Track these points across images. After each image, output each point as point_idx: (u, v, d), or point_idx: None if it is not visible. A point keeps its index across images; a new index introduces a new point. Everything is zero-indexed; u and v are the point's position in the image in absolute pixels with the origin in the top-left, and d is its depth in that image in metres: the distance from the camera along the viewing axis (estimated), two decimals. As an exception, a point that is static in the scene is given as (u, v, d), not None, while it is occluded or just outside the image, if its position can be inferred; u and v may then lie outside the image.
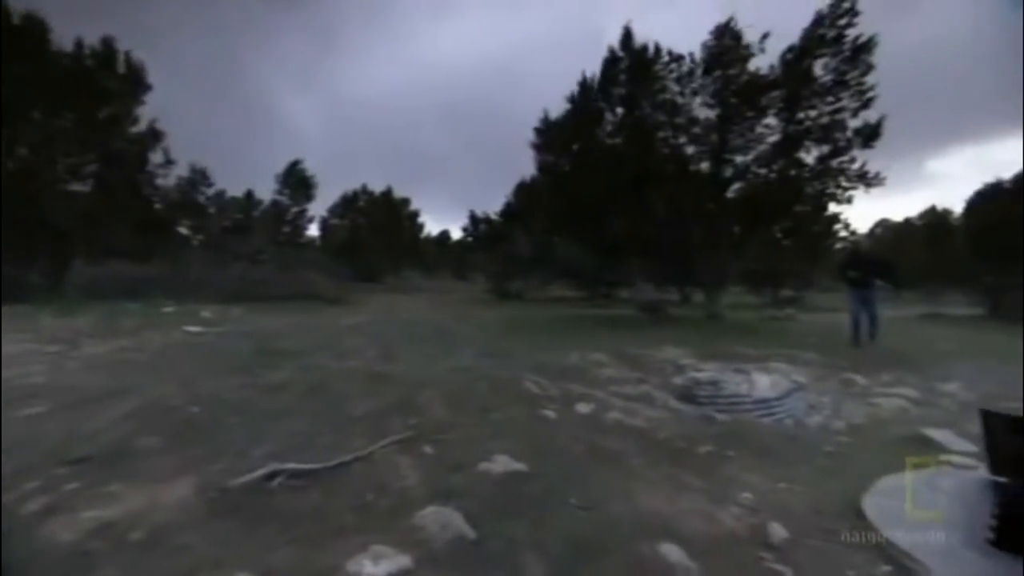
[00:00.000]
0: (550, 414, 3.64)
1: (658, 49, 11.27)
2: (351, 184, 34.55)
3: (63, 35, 12.92)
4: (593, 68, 12.24)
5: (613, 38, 11.58)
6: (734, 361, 5.90)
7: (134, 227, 14.63)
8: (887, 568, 1.97)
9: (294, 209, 27.86)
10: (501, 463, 2.65)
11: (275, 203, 27.54)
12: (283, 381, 4.31)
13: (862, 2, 9.79)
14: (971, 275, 19.48)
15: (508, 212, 25.01)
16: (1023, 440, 2.32)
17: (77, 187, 13.87)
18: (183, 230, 22.44)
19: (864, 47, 9.90)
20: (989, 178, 22.86)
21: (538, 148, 13.32)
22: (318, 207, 31.76)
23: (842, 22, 9.91)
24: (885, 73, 10.04)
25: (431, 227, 51.35)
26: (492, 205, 33.74)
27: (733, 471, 2.82)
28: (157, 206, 16.48)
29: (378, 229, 31.80)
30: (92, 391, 3.75)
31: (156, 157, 15.08)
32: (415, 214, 36.94)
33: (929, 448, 3.36)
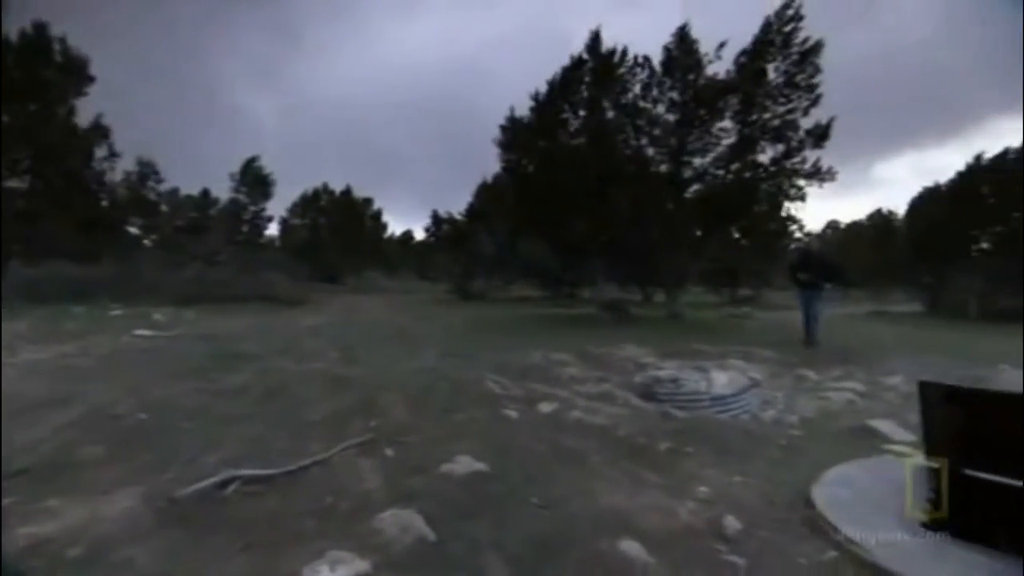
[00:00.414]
0: (512, 414, 3.64)
1: (624, 52, 11.48)
2: (312, 183, 33.77)
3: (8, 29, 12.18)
4: (559, 69, 12.34)
5: (579, 39, 11.65)
6: (693, 359, 6.05)
7: (77, 225, 13.90)
8: (833, 553, 2.05)
9: (252, 208, 27.05)
10: (463, 464, 2.64)
11: (233, 202, 26.67)
12: (240, 385, 4.18)
13: (819, 12, 10.26)
14: (912, 274, 20.55)
15: (471, 212, 24.94)
16: (955, 408, 2.44)
17: (14, 183, 13.10)
18: (133, 229, 21.48)
19: (812, 50, 10.40)
20: (928, 183, 24.16)
21: (503, 147, 13.30)
22: (277, 206, 30.99)
23: (788, 27, 10.36)
24: (836, 83, 10.54)
25: (394, 227, 50.72)
26: (456, 205, 33.61)
27: (691, 466, 2.88)
28: (103, 203, 15.71)
29: (339, 229, 31.18)
30: (31, 399, 3.56)
31: (105, 152, 14.40)
32: (378, 214, 36.41)
33: (874, 438, 3.53)
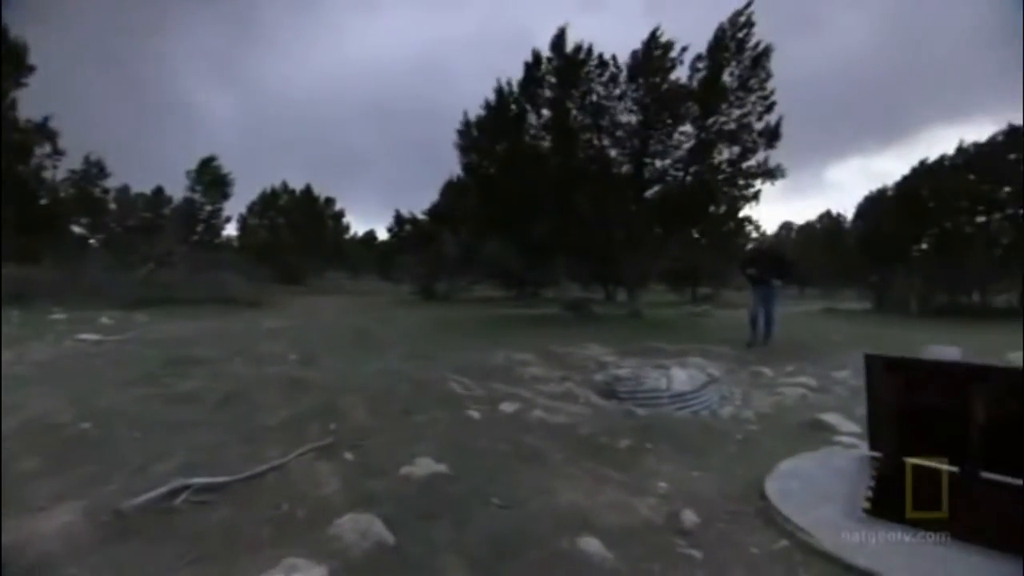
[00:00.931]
0: (474, 414, 3.64)
1: (589, 51, 11.61)
2: (271, 181, 32.89)
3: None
4: (521, 68, 12.35)
5: (541, 38, 11.74)
6: (654, 357, 6.17)
7: (14, 224, 13.14)
8: (785, 543, 2.13)
9: (209, 208, 26.15)
10: (423, 466, 2.62)
11: (188, 201, 25.72)
12: (192, 391, 4.04)
13: (772, 24, 10.67)
14: (861, 274, 21.55)
15: (435, 212, 24.79)
16: (896, 376, 2.61)
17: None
18: (78, 229, 20.45)
19: (763, 55, 10.82)
20: (874, 187, 25.35)
21: (462, 149, 13.26)
22: (235, 205, 30.06)
23: (741, 33, 10.74)
24: (789, 92, 11.01)
25: (356, 227, 49.99)
26: (420, 205, 33.29)
27: (651, 463, 2.94)
28: (43, 201, 14.89)
29: (300, 229, 30.49)
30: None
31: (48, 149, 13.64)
32: (339, 213, 35.79)
33: (824, 431, 3.67)
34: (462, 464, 2.70)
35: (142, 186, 25.42)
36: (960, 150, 16.95)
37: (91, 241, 21.06)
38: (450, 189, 23.06)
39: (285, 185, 32.20)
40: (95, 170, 21.17)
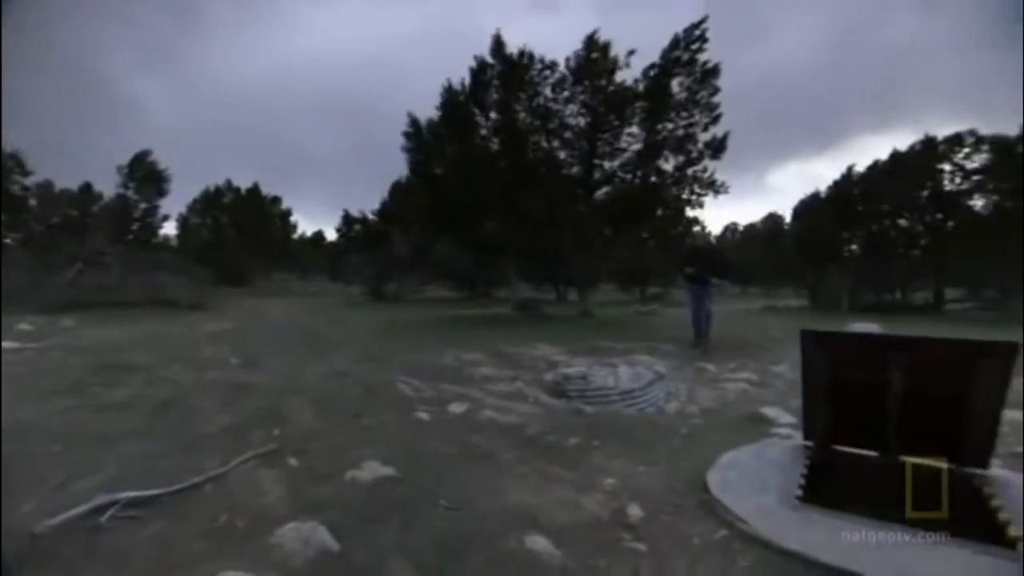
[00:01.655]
0: (424, 416, 3.61)
1: (532, 55, 11.69)
2: (214, 179, 31.53)
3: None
4: (469, 70, 12.32)
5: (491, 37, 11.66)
6: (602, 355, 6.28)
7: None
8: (724, 532, 2.21)
9: (143, 205, 24.77)
10: (371, 469, 2.58)
11: (120, 198, 24.27)
12: (124, 400, 3.83)
13: (721, 32, 11.05)
14: (797, 273, 22.70)
15: (385, 212, 24.40)
16: (827, 348, 2.79)
17: None
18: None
19: (712, 71, 11.18)
20: (810, 190, 26.74)
21: (409, 151, 13.11)
22: (174, 203, 28.64)
23: (694, 47, 11.06)
24: (735, 95, 11.43)
25: (305, 227, 48.66)
26: (370, 204, 32.65)
27: (598, 460, 2.99)
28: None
29: (245, 228, 29.35)
30: None
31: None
32: (286, 213, 34.70)
33: (763, 424, 3.83)
34: (410, 466, 2.67)
35: (70, 182, 23.82)
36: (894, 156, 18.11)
37: (7, 240, 19.51)
38: (400, 189, 22.76)
39: (229, 183, 30.96)
40: (11, 163, 19.66)
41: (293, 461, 2.75)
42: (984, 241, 15.51)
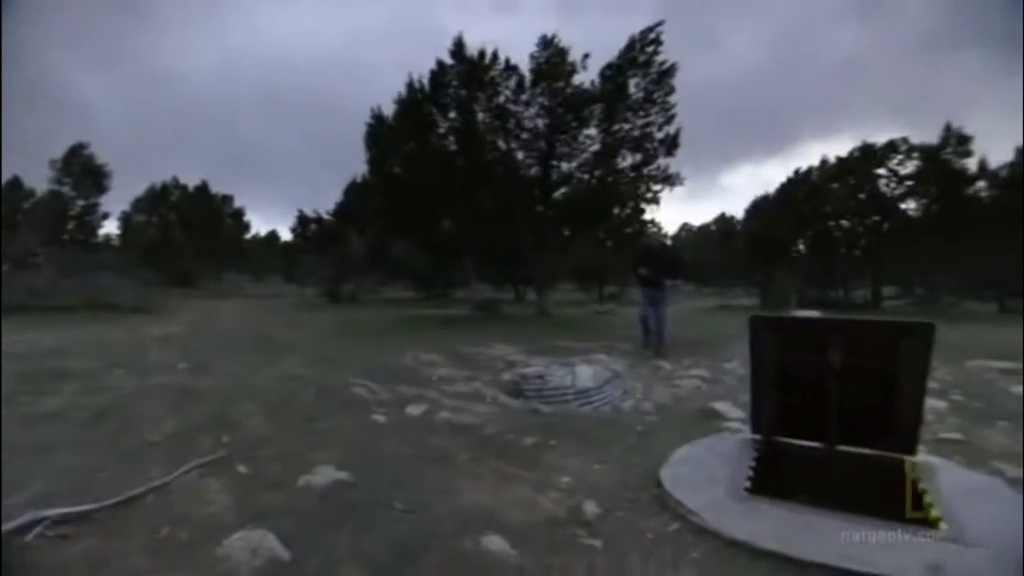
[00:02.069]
0: (380, 418, 3.56)
1: (495, 56, 11.73)
2: (160, 176, 30.11)
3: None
4: (428, 70, 12.26)
5: (450, 40, 11.63)
6: (560, 354, 6.35)
7: None
8: (677, 525, 2.27)
9: (81, 202, 23.45)
10: (324, 474, 2.53)
11: (54, 194, 22.88)
12: (56, 409, 3.61)
13: (677, 35, 11.36)
14: (749, 272, 23.56)
15: (341, 212, 23.92)
16: (773, 333, 2.91)
17: None
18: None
19: (668, 72, 11.52)
20: (760, 192, 27.79)
21: (369, 148, 12.93)
22: (117, 201, 27.25)
23: (650, 49, 11.35)
24: (690, 102, 11.80)
25: (258, 227, 47.26)
26: (326, 204, 31.90)
27: (555, 458, 3.01)
28: None
29: (194, 228, 28.22)
30: None
31: None
32: (239, 212, 33.61)
33: (715, 419, 3.95)
34: (365, 470, 2.63)
35: (-3, 178, 22.25)
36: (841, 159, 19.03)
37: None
38: (357, 188, 22.37)
39: (176, 180, 29.71)
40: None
41: (242, 468, 2.67)
42: (915, 242, 16.50)
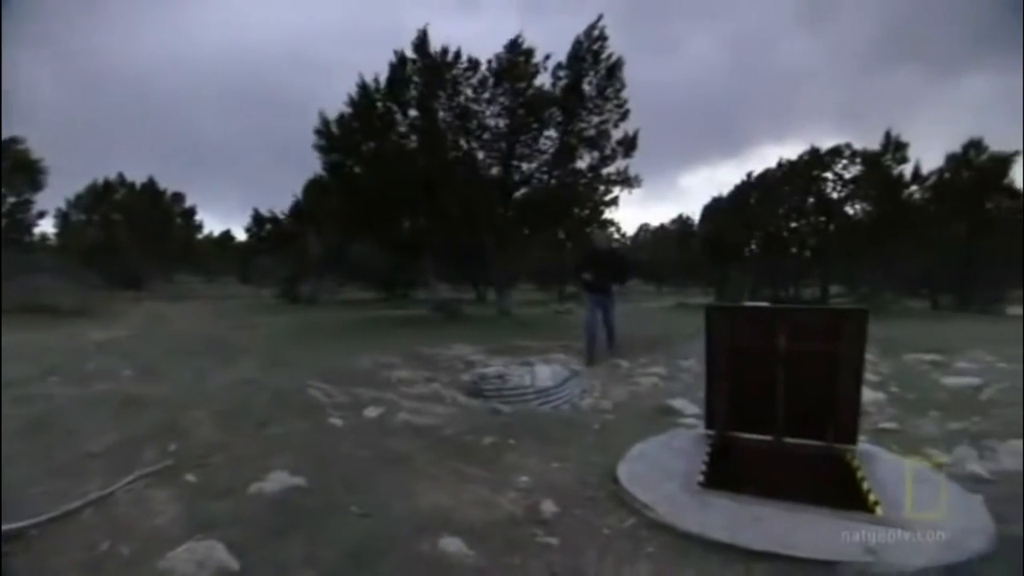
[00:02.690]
0: (337, 422, 3.50)
1: (458, 54, 11.68)
2: (104, 173, 28.60)
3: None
4: (387, 66, 12.08)
5: (412, 37, 11.52)
6: (519, 354, 6.37)
7: None
8: (633, 520, 2.31)
9: (12, 199, 22.01)
10: (277, 481, 2.46)
11: (-19, 192, 21.41)
12: (-16, 420, 3.38)
13: (632, 43, 11.66)
14: (706, 271, 24.24)
15: (298, 211, 23.32)
16: (727, 319, 3.03)
17: None
18: None
19: (616, 65, 11.76)
20: (715, 193, 28.64)
21: (322, 149, 12.64)
22: (53, 198, 25.74)
23: (596, 45, 11.58)
24: (649, 105, 12.07)
25: (211, 226, 45.71)
26: (283, 203, 31.04)
27: (514, 458, 3.02)
28: None
29: (141, 227, 26.94)
30: None
31: None
32: (190, 211, 32.34)
33: (671, 415, 4.04)
34: (321, 474, 2.58)
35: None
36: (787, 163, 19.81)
37: None
38: (314, 187, 21.84)
39: (122, 177, 28.32)
40: None
41: (191, 477, 2.57)
42: (858, 243, 17.35)
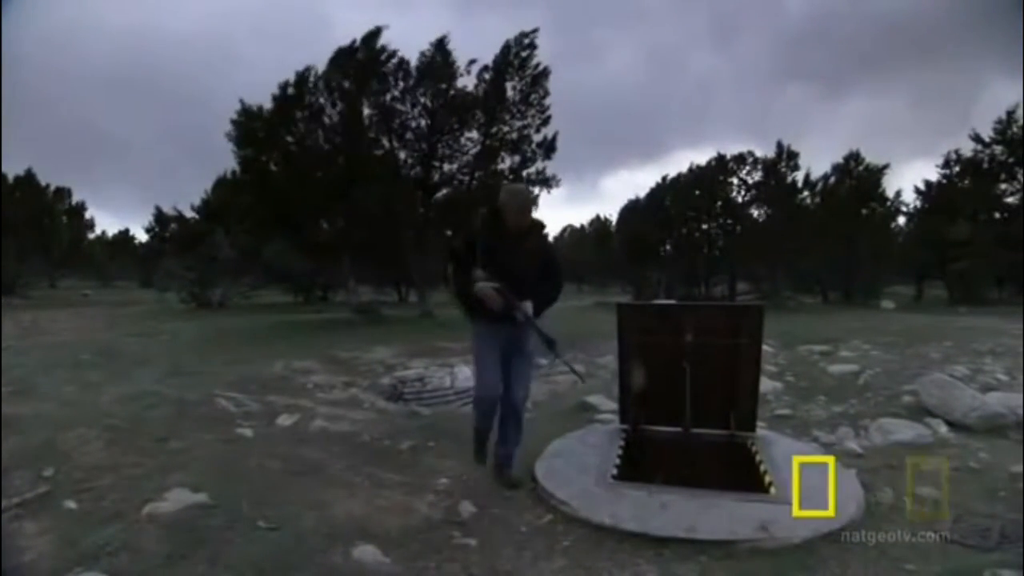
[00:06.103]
0: (246, 432, 3.32)
1: (394, 53, 11.49)
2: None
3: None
4: (312, 60, 11.65)
5: (340, 30, 11.19)
6: (441, 356, 6.32)
7: None
8: (549, 516, 2.35)
9: None
10: (175, 499, 2.29)
11: None
12: None
13: (557, 54, 11.91)
14: (624, 270, 25.21)
15: (206, 210, 21.76)
16: (639, 318, 3.20)
17: None
18: None
19: (542, 74, 12.01)
20: (632, 196, 29.80)
21: (238, 143, 11.93)
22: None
23: (525, 53, 11.78)
24: (572, 111, 12.41)
25: (106, 225, 41.81)
26: (189, 200, 28.88)
27: (432, 461, 3.00)
28: None
29: (16, 226, 24.05)
30: None
31: None
32: (78, 208, 29.37)
33: (589, 412, 4.16)
34: (226, 489, 2.43)
35: None
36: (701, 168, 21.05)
37: None
38: (225, 184, 20.48)
39: (-3, 170, 25.18)
40: None
41: (71, 504, 2.33)
42: (760, 244, 18.78)
